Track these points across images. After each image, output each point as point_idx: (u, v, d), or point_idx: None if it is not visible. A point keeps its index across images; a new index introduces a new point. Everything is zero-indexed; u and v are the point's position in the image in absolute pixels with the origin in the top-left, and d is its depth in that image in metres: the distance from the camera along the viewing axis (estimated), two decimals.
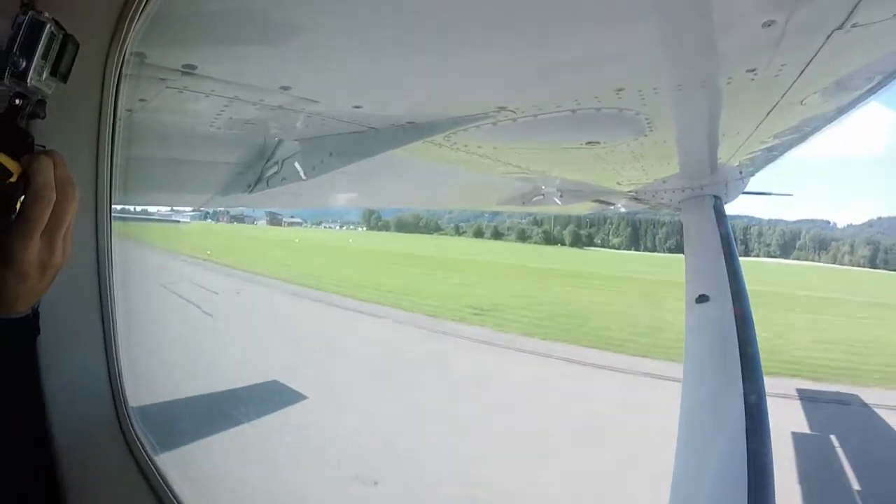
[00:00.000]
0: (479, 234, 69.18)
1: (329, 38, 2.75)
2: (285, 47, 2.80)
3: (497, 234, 68.72)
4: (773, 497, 3.40)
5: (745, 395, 3.91)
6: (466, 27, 2.63)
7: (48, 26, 1.06)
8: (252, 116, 4.03)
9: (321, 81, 3.50)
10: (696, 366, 4.83)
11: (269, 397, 12.64)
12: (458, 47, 2.92)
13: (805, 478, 10.23)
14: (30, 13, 1.04)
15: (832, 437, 12.49)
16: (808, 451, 11.42)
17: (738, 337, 4.37)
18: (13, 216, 1.06)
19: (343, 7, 2.39)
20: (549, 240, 66.70)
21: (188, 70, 2.94)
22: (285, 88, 3.42)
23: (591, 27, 2.68)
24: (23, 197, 1.05)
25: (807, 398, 15.36)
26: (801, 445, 11.65)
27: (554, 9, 2.42)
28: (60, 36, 1.09)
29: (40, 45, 1.05)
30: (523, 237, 68.08)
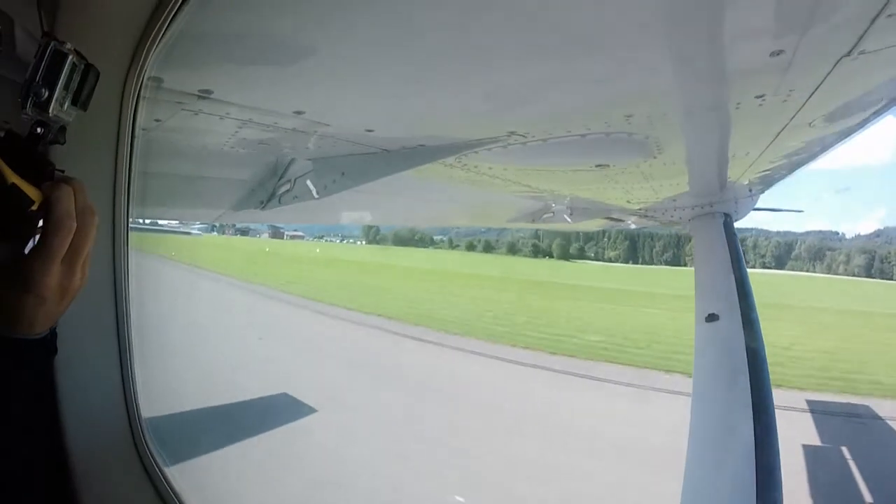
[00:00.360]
0: (470, 247, 75.49)
1: (342, 64, 2.78)
2: (299, 72, 2.84)
3: (488, 248, 74.88)
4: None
5: (755, 413, 3.89)
6: (477, 54, 2.66)
7: (70, 57, 1.09)
8: (265, 137, 4.07)
9: (334, 105, 3.53)
10: (705, 384, 4.78)
11: (281, 411, 12.58)
12: (469, 73, 2.95)
13: (817, 491, 10.10)
14: (52, 43, 1.07)
15: (843, 448, 12.35)
16: (820, 464, 11.28)
17: (748, 356, 4.35)
18: (34, 242, 1.09)
19: (356, 33, 2.42)
20: (538, 252, 72.17)
21: (204, 94, 2.98)
22: (298, 112, 3.45)
23: (600, 55, 2.70)
24: (43, 224, 1.07)
25: (818, 410, 15.20)
26: (813, 458, 11.52)
27: (564, 36, 2.44)
28: (82, 66, 1.12)
29: (62, 76, 1.07)
30: (513, 250, 73.76)
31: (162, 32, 1.67)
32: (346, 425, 13.12)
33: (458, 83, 3.12)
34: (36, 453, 1.36)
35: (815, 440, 12.97)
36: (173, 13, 1.61)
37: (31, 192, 1.06)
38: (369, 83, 3.06)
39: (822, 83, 2.88)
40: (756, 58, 2.59)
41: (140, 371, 2.09)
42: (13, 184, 1.04)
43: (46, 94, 1.06)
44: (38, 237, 1.08)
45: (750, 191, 6.75)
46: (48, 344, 1.20)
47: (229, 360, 17.44)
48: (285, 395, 13.87)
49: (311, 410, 13.06)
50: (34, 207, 1.07)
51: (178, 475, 2.06)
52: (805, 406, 15.51)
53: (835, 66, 2.63)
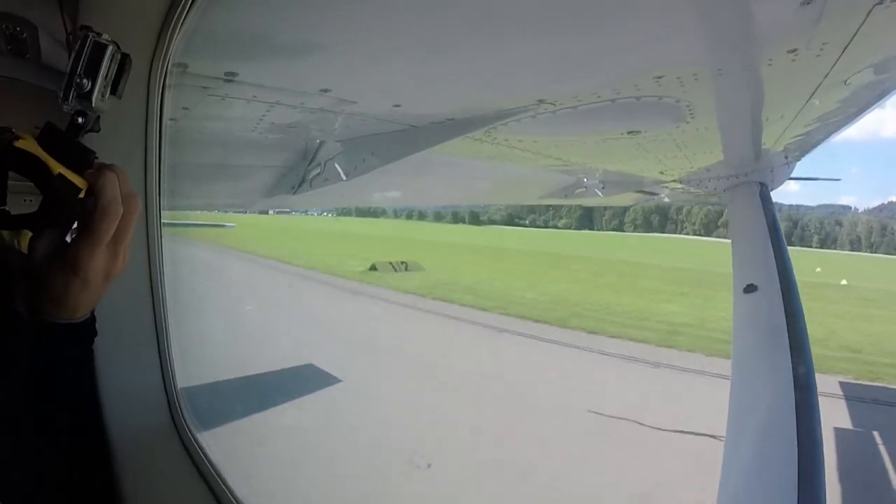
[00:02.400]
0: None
1: (366, 39, 2.78)
2: (323, 50, 2.84)
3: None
4: (824, 493, 3.33)
5: (795, 386, 3.83)
6: (502, 21, 2.63)
7: (110, 48, 1.10)
8: (293, 120, 4.09)
9: (360, 82, 3.53)
10: (744, 356, 4.73)
11: (312, 385, 12.59)
12: (495, 42, 2.92)
13: (846, 475, 9.94)
14: (91, 35, 1.09)
15: (875, 433, 12.11)
16: (851, 448, 11.09)
17: (788, 327, 4.27)
18: (81, 228, 1.11)
19: (379, 8, 2.41)
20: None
21: (230, 77, 3.00)
22: (325, 91, 3.46)
23: (627, 14, 2.65)
24: (91, 209, 1.10)
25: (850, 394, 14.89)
26: (844, 442, 11.32)
27: None
28: (119, 56, 1.13)
29: (103, 67, 1.09)
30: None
31: (183, 18, 1.68)
32: None
33: (486, 52, 3.09)
34: (78, 439, 1.39)
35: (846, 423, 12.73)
36: None
37: (76, 180, 1.09)
38: (395, 57, 3.05)
39: (855, 35, 2.78)
40: (786, 8, 2.51)
41: (178, 353, 2.12)
42: (60, 174, 1.07)
43: (89, 85, 1.08)
44: (83, 223, 1.11)
45: (786, 158, 6.58)
46: (89, 327, 1.23)
47: (267, 339, 17.52)
48: (311, 365, 13.89)
49: (337, 383, 12.95)
50: (81, 195, 1.09)
51: (218, 452, 2.08)
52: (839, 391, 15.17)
53: (868, 15, 2.54)
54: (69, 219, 1.11)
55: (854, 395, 14.81)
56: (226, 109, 3.55)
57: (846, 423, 12.72)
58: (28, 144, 1.05)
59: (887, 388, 15.64)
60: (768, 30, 2.85)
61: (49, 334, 1.14)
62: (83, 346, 1.26)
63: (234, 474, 2.03)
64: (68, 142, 1.10)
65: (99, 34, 1.09)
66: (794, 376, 3.91)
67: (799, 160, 6.76)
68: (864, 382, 16.14)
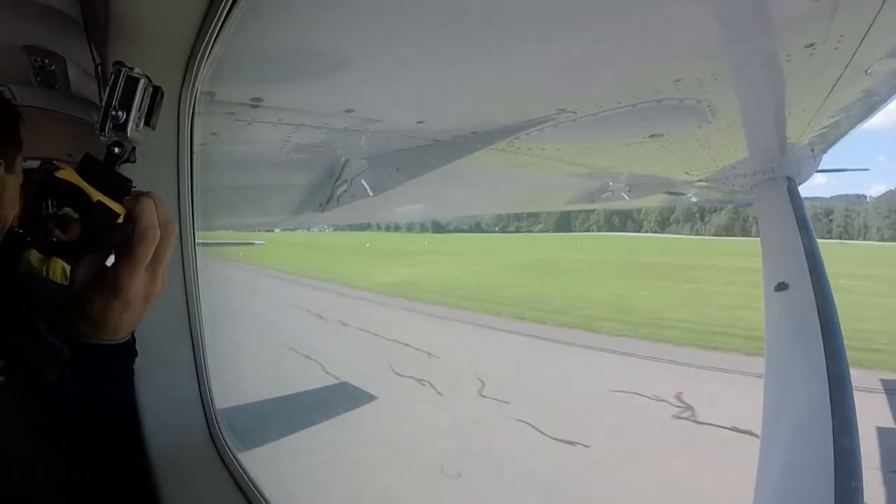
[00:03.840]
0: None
1: (387, 58, 2.82)
2: (346, 71, 2.89)
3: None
4: (862, 492, 3.28)
5: (830, 384, 3.77)
6: (519, 33, 2.67)
7: (142, 82, 1.17)
8: (319, 140, 4.15)
9: (383, 101, 3.58)
10: (777, 356, 4.67)
11: (350, 401, 12.61)
12: (513, 53, 2.95)
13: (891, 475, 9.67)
14: (123, 70, 1.15)
15: None
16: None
17: (821, 326, 4.21)
18: (121, 252, 1.17)
19: (398, 26, 2.45)
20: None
21: (255, 103, 3.07)
22: (349, 111, 3.52)
23: (642, 19, 2.67)
24: (131, 234, 1.15)
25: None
26: (887, 441, 10.99)
27: (605, 4, 2.43)
28: (151, 88, 1.19)
29: (136, 100, 1.16)
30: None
31: (210, 47, 1.73)
32: None
33: (505, 65, 3.13)
34: (123, 455, 1.44)
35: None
36: (219, 28, 1.67)
37: (115, 207, 1.15)
38: (416, 74, 3.10)
39: (872, 24, 2.77)
40: (800, 4, 2.52)
41: (214, 369, 2.18)
42: (99, 201, 1.12)
43: (124, 116, 1.14)
44: (123, 247, 1.15)
45: (812, 151, 6.48)
46: (130, 348, 1.29)
47: (300, 353, 17.47)
48: (348, 385, 13.82)
49: (373, 399, 12.91)
50: (119, 221, 1.15)
51: (257, 469, 2.13)
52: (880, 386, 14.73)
53: (884, 3, 2.53)
54: (109, 244, 1.16)
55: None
56: (253, 133, 3.62)
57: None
58: (68, 175, 1.11)
59: None
60: (784, 26, 2.85)
61: (92, 355, 1.19)
62: (125, 367, 1.31)
63: (273, 492, 2.07)
64: (106, 171, 1.16)
65: (131, 68, 1.16)
66: (828, 374, 3.86)
67: (825, 152, 6.68)
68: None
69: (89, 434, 1.25)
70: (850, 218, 72.34)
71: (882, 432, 11.37)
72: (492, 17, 2.50)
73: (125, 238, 1.15)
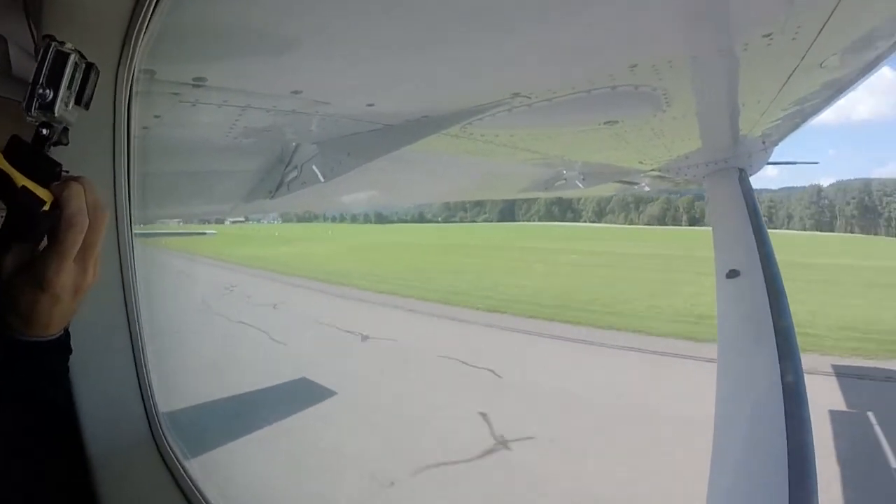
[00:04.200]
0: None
1: (336, 38, 2.74)
2: (292, 51, 2.80)
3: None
4: (815, 479, 3.35)
5: (782, 369, 3.86)
6: (473, 15, 2.60)
7: (72, 57, 1.09)
8: (267, 123, 4.05)
9: (332, 82, 3.49)
10: (730, 342, 4.76)
11: (300, 397, 12.62)
12: (467, 35, 2.89)
13: (844, 458, 10.07)
14: (53, 44, 1.07)
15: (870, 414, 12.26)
16: (847, 430, 11.24)
17: (772, 311, 4.31)
18: (47, 242, 1.10)
19: (348, 5, 2.38)
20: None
21: (199, 83, 2.95)
22: (296, 92, 3.43)
23: (599, 3, 2.64)
24: (56, 222, 1.08)
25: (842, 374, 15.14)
26: (840, 424, 11.48)
27: None
28: (83, 65, 1.12)
29: (65, 77, 1.08)
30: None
31: (147, 22, 1.64)
32: None
33: (457, 47, 3.06)
34: (54, 454, 1.36)
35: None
36: (156, 1, 1.58)
37: (41, 192, 1.07)
38: (365, 55, 3.02)
39: (830, 17, 2.78)
40: None
41: (155, 365, 2.10)
42: (23, 186, 1.05)
43: (51, 95, 1.06)
44: (50, 236, 1.09)
45: (763, 143, 6.62)
46: (63, 344, 1.22)
47: (242, 346, 17.91)
48: (304, 379, 13.82)
49: (330, 393, 12.95)
50: (45, 208, 1.07)
51: (200, 469, 2.06)
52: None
53: None
54: (33, 232, 1.09)
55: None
56: (198, 115, 3.50)
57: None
58: None
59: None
60: (743, 14, 2.84)
61: (21, 352, 1.12)
62: (58, 364, 1.24)
63: (214, 493, 2.01)
64: (34, 154, 1.08)
65: (62, 43, 1.08)
66: (779, 358, 3.94)
67: (776, 145, 6.83)
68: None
69: (21, 434, 1.17)
70: (773, 209, 78.64)
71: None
72: None
73: (52, 226, 1.08)
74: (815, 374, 14.38)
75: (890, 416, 12.03)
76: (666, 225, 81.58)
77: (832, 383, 14.34)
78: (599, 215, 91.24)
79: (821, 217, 76.45)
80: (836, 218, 75.45)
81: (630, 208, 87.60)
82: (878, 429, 11.49)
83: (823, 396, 12.92)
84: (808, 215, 76.29)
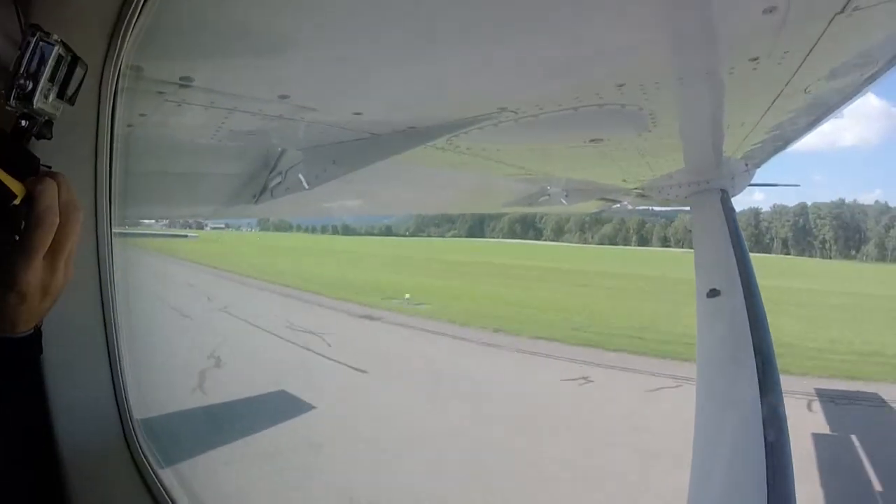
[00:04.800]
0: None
1: (325, 45, 2.73)
2: (281, 55, 2.78)
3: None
4: (794, 490, 3.37)
5: (761, 388, 3.87)
6: (463, 28, 2.61)
7: (56, 48, 1.06)
8: (253, 127, 4.02)
9: (319, 89, 3.49)
10: (709, 361, 4.78)
11: (277, 407, 12.55)
12: (457, 48, 2.90)
13: (827, 480, 10.16)
14: (38, 34, 1.04)
15: (853, 437, 12.35)
16: (830, 453, 11.33)
17: (751, 330, 4.33)
18: (16, 238, 1.06)
19: (338, 13, 2.37)
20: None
21: (185, 83, 2.93)
22: (283, 97, 3.41)
23: (589, 21, 2.64)
24: (25, 219, 1.05)
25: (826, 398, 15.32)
26: (823, 447, 11.57)
27: (551, 3, 2.40)
28: (69, 58, 1.09)
29: (47, 68, 1.05)
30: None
31: (136, 17, 1.63)
32: None
33: (445, 59, 3.07)
34: (25, 455, 1.34)
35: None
36: None
37: (14, 186, 1.03)
38: (354, 63, 3.01)
39: (816, 43, 2.81)
40: (749, 15, 2.53)
41: (131, 369, 2.06)
42: None
43: (31, 85, 1.04)
44: (20, 232, 1.05)
45: (746, 165, 6.71)
46: (33, 343, 1.17)
47: (220, 353, 17.70)
48: (282, 391, 13.72)
49: (307, 406, 12.94)
50: (16, 202, 1.04)
51: (172, 472, 2.04)
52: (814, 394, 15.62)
53: (829, 24, 2.57)
54: (3, 226, 1.06)
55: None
56: (184, 116, 3.47)
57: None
58: None
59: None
60: (730, 38, 2.87)
61: None
62: (25, 362, 1.20)
63: (183, 489, 1.99)
64: (12, 146, 1.05)
65: (48, 34, 1.05)
66: (759, 377, 3.96)
67: (759, 167, 6.90)
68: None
69: None
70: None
71: None
72: (435, 11, 2.44)
73: (22, 221, 1.05)
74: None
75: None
76: (616, 244, 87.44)
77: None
78: (558, 234, 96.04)
79: (760, 239, 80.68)
80: (774, 240, 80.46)
81: (585, 228, 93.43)
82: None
83: None
84: (747, 236, 78.86)
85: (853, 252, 73.64)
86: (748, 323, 4.40)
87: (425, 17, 2.49)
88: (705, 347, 4.92)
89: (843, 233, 74.76)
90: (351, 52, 2.84)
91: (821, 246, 75.74)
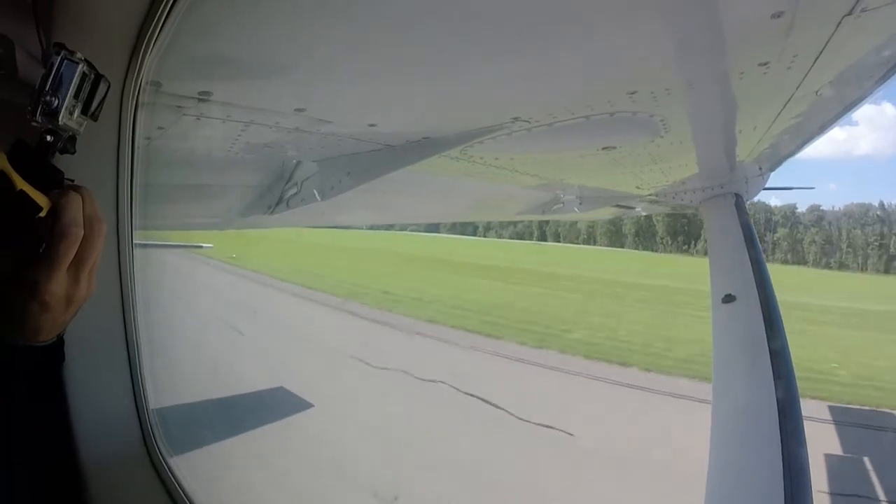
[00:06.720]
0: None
1: (340, 59, 2.77)
2: (297, 70, 2.82)
3: None
4: (811, 495, 3.33)
5: (778, 394, 3.85)
6: (476, 40, 2.63)
7: (80, 66, 1.09)
8: (269, 140, 4.06)
9: (335, 102, 3.52)
10: (725, 366, 4.75)
11: (285, 410, 12.47)
12: (470, 60, 2.92)
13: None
14: (63, 53, 1.07)
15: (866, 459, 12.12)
16: (843, 475, 11.13)
17: (767, 335, 4.30)
18: (41, 250, 1.09)
19: (353, 27, 2.40)
20: None
21: (204, 97, 2.97)
22: (299, 110, 3.44)
23: (599, 31, 2.66)
24: (50, 231, 1.08)
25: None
26: (835, 468, 11.36)
27: (560, 14, 2.41)
28: (92, 76, 1.12)
29: (72, 85, 1.08)
30: None
31: (157, 35, 1.66)
32: None
33: (459, 71, 3.09)
34: (47, 461, 1.36)
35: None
36: (165, 15, 1.61)
37: (39, 199, 1.07)
38: (369, 77, 3.04)
39: (825, 46, 2.82)
40: (757, 20, 2.54)
41: (150, 377, 2.09)
42: (21, 190, 1.05)
43: (56, 102, 1.07)
44: (44, 245, 1.08)
45: (760, 169, 6.67)
46: (55, 351, 1.20)
47: (242, 361, 17.45)
48: (282, 389, 13.56)
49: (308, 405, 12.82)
50: (42, 214, 1.07)
51: (193, 480, 2.05)
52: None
53: (837, 26, 2.58)
54: (25, 238, 1.09)
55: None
56: (201, 129, 3.51)
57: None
58: None
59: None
60: (739, 43, 2.88)
61: (11, 356, 1.11)
62: (48, 370, 1.22)
63: (205, 497, 2.00)
64: (37, 160, 1.08)
65: (72, 52, 1.08)
66: (775, 384, 3.93)
67: (773, 170, 6.87)
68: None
69: (11, 439, 1.16)
70: None
71: None
72: (448, 23, 2.46)
73: (46, 234, 1.07)
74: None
75: None
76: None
77: None
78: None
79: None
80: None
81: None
82: None
83: None
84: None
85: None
86: (764, 327, 4.37)
87: (439, 30, 2.52)
88: (721, 351, 4.89)
89: None
90: (365, 65, 2.87)
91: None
